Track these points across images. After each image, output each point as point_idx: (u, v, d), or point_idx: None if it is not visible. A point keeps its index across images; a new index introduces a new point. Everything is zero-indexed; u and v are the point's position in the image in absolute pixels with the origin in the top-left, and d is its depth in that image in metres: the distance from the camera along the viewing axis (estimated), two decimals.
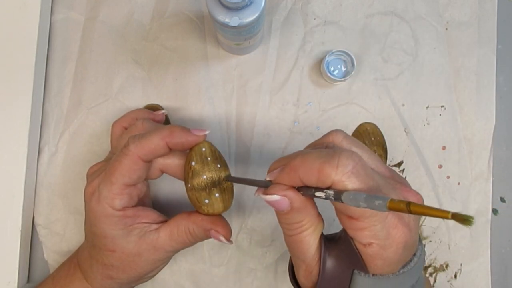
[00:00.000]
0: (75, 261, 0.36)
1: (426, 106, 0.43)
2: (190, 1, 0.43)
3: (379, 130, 0.43)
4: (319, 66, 0.43)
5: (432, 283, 0.43)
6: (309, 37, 0.43)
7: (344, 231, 0.27)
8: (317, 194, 0.25)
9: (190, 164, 0.32)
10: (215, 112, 0.43)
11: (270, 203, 0.26)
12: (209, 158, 0.32)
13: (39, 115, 0.42)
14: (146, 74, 0.43)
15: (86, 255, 0.34)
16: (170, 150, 0.32)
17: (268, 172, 0.28)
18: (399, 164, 0.43)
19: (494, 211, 0.43)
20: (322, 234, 0.28)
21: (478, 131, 0.43)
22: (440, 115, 0.43)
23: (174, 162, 0.34)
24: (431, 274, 0.43)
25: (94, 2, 0.43)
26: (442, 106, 0.43)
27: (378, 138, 0.43)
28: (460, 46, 0.44)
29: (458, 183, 0.43)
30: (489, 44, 0.44)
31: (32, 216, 0.42)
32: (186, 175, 0.32)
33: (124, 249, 0.32)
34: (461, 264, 0.43)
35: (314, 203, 0.27)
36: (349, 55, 0.41)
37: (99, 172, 0.33)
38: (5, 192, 0.40)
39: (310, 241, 0.27)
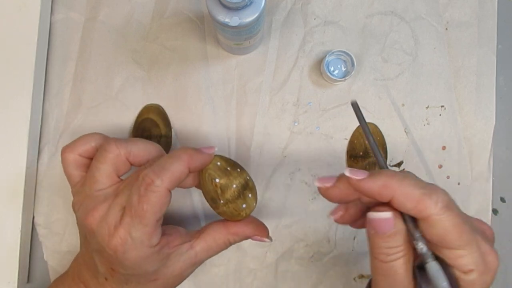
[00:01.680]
0: None
1: (426, 106, 0.43)
2: (190, 1, 0.43)
3: (379, 130, 0.43)
4: (319, 66, 0.43)
5: None
6: (309, 37, 0.43)
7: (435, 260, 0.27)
8: (417, 236, 0.26)
9: (214, 182, 0.32)
10: (215, 112, 0.43)
11: (376, 221, 0.26)
12: (228, 168, 0.33)
13: (39, 115, 0.42)
14: (146, 74, 0.43)
15: None
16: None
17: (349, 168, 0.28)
18: (399, 164, 0.43)
19: (494, 211, 0.43)
20: (415, 263, 0.28)
21: (478, 131, 0.43)
22: (440, 115, 0.43)
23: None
24: None
25: (94, 2, 0.43)
26: (442, 106, 0.43)
27: (378, 138, 0.43)
28: (460, 46, 0.44)
29: (458, 183, 0.43)
30: (489, 44, 0.44)
31: (32, 216, 0.42)
32: (214, 194, 0.33)
33: (166, 275, 0.32)
34: None
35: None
36: (349, 55, 0.41)
37: (102, 210, 0.30)
38: (5, 192, 0.40)
39: (405, 269, 0.26)
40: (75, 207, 0.33)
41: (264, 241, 0.34)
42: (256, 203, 0.34)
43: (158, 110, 0.43)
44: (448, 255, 0.26)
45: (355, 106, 0.31)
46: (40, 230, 0.42)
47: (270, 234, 0.43)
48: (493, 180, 0.43)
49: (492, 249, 0.26)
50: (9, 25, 0.41)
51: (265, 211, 0.43)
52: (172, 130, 0.43)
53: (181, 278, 0.34)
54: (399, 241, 0.26)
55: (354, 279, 0.43)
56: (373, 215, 0.26)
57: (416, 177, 0.27)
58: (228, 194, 0.32)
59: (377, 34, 0.44)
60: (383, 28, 0.44)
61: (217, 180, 0.32)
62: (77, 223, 0.34)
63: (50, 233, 0.42)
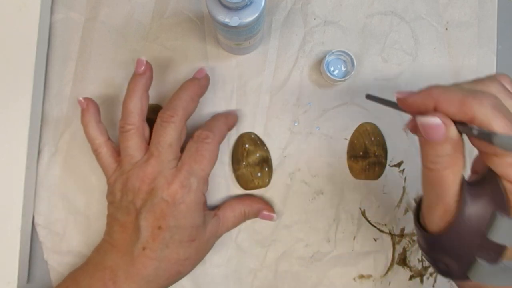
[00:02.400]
0: (110, 277, 0.34)
1: None
2: (190, 1, 0.43)
3: (379, 130, 0.43)
4: (319, 66, 0.43)
5: (432, 283, 0.43)
6: (309, 37, 0.43)
7: (489, 172, 0.25)
8: (473, 130, 0.24)
9: (244, 146, 0.42)
10: (215, 112, 0.43)
11: (427, 127, 0.25)
12: (258, 142, 0.42)
13: (39, 115, 0.42)
14: None
15: (145, 262, 0.34)
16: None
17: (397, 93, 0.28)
18: (399, 164, 0.43)
19: None
20: (463, 176, 0.26)
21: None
22: None
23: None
24: (431, 274, 0.43)
25: (94, 2, 0.43)
26: None
27: (378, 138, 0.43)
28: (460, 46, 0.44)
29: None
30: (489, 44, 0.44)
31: (32, 216, 0.42)
32: (240, 156, 0.42)
33: (201, 237, 0.36)
34: None
35: (463, 141, 0.26)
36: (349, 55, 0.41)
37: (155, 168, 0.35)
38: (5, 192, 0.40)
39: (454, 179, 0.26)
40: (113, 189, 0.36)
41: (272, 218, 0.41)
42: (269, 181, 0.42)
43: (158, 110, 0.42)
44: (499, 162, 0.24)
45: (371, 97, 0.33)
46: (40, 230, 0.43)
47: (270, 234, 0.43)
48: None
49: None
50: (9, 25, 0.41)
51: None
52: None
53: (208, 246, 0.38)
54: (448, 150, 0.25)
55: (354, 279, 0.43)
56: (423, 120, 0.25)
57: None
58: (250, 158, 0.41)
59: (377, 34, 0.44)
60: (383, 28, 0.44)
61: (247, 146, 0.42)
62: (116, 198, 0.36)
63: (50, 233, 0.42)
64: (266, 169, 0.42)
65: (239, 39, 0.37)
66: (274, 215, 0.41)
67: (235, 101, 0.43)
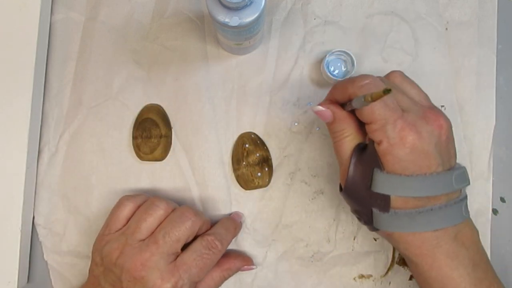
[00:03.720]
0: None
1: None
2: (190, 1, 0.43)
3: None
4: (319, 66, 0.43)
5: None
6: (309, 37, 0.43)
7: (370, 138, 0.32)
8: (347, 105, 0.33)
9: (243, 146, 0.42)
10: (215, 112, 0.43)
11: (317, 113, 0.34)
12: (258, 142, 0.42)
13: (39, 115, 0.42)
14: (146, 74, 0.43)
15: None
16: None
17: None
18: None
19: (494, 211, 0.43)
20: (358, 144, 0.34)
21: (478, 131, 0.43)
22: None
23: None
24: None
25: (94, 2, 0.43)
26: (442, 106, 0.43)
27: None
28: (460, 46, 0.44)
29: None
30: (489, 44, 0.44)
31: (32, 216, 0.42)
32: (240, 155, 0.42)
33: None
34: None
35: (355, 118, 0.33)
36: (349, 55, 0.41)
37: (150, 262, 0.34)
38: (5, 192, 0.40)
39: (347, 147, 0.34)
40: (107, 253, 0.35)
41: (252, 269, 0.41)
42: (269, 181, 0.42)
43: (158, 110, 0.43)
44: (368, 130, 0.32)
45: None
46: (40, 230, 0.43)
47: (270, 234, 0.43)
48: (493, 180, 0.43)
49: (409, 127, 0.30)
50: (9, 25, 0.41)
51: (265, 211, 0.43)
52: (172, 130, 0.43)
53: None
54: (340, 126, 0.34)
55: (354, 279, 0.43)
56: (313, 108, 0.35)
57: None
58: (250, 158, 0.42)
59: (377, 34, 0.44)
60: (383, 28, 0.44)
61: (247, 145, 0.42)
62: (105, 267, 0.35)
63: (50, 233, 0.42)
64: (266, 169, 0.42)
65: (239, 39, 0.37)
66: (254, 267, 0.41)
67: (235, 101, 0.43)
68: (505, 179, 0.44)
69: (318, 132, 0.43)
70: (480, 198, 0.43)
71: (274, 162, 0.43)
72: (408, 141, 0.30)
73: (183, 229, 0.35)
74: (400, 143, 0.30)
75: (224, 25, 0.33)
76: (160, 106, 0.43)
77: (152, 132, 0.42)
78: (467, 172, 0.34)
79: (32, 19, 0.41)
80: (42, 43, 0.42)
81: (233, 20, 0.33)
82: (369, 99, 0.27)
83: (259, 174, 0.42)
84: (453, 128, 0.43)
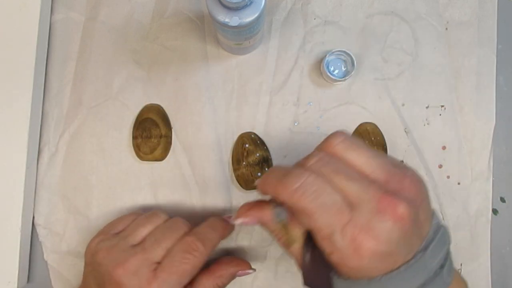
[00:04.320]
0: None
1: (426, 106, 0.43)
2: (190, 1, 0.43)
3: (379, 130, 0.43)
4: (319, 66, 0.43)
5: None
6: (309, 37, 0.43)
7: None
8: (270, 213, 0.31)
9: (243, 146, 0.42)
10: (215, 112, 0.43)
11: (241, 224, 0.31)
12: (258, 142, 0.42)
13: (39, 115, 0.42)
14: (146, 74, 0.43)
15: None
16: None
17: None
18: None
19: (494, 211, 0.43)
20: (307, 236, 0.30)
21: (478, 131, 0.43)
22: (440, 115, 0.43)
23: None
24: None
25: (94, 2, 0.43)
26: (442, 106, 0.43)
27: (378, 138, 0.43)
28: (460, 46, 0.44)
29: (458, 183, 0.43)
30: (489, 44, 0.44)
31: (32, 216, 0.42)
32: (240, 155, 0.42)
33: None
34: (461, 264, 0.43)
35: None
36: (349, 55, 0.41)
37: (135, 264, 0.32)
38: (5, 192, 0.40)
39: (291, 248, 0.30)
40: (96, 251, 0.34)
41: (249, 273, 0.37)
42: None
43: (158, 110, 0.43)
44: (315, 237, 0.27)
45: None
46: (40, 230, 0.42)
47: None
48: (493, 180, 0.43)
49: (362, 234, 0.25)
50: (9, 25, 0.41)
51: None
52: (172, 130, 0.43)
53: None
54: (274, 227, 0.30)
55: None
56: (234, 221, 0.32)
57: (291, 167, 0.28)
58: (250, 158, 0.42)
59: (377, 34, 0.44)
60: (383, 28, 0.44)
61: (247, 145, 0.41)
62: (92, 267, 0.34)
63: (50, 233, 0.42)
64: (266, 169, 0.42)
65: (239, 39, 0.37)
66: (250, 271, 0.37)
67: (235, 101, 0.43)
68: (505, 179, 0.44)
69: (318, 132, 0.43)
70: (480, 198, 0.43)
71: (274, 162, 0.43)
72: (364, 250, 0.24)
73: (173, 238, 0.33)
74: (355, 254, 0.25)
75: (224, 25, 0.33)
76: (160, 106, 0.43)
77: (152, 132, 0.42)
78: (446, 233, 0.29)
79: (32, 19, 0.41)
80: (42, 43, 0.42)
81: (233, 20, 0.33)
82: (284, 226, 0.26)
83: (259, 174, 0.42)
84: (453, 128, 0.43)
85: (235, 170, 0.42)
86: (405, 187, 0.26)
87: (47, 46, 0.43)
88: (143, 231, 0.35)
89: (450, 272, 0.28)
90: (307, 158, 0.27)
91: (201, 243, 0.33)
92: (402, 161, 0.43)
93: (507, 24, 0.45)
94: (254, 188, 0.42)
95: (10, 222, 0.40)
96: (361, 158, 0.27)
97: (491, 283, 0.42)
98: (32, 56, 0.40)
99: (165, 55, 0.43)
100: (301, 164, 0.27)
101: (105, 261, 0.33)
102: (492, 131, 0.43)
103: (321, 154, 0.27)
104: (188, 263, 0.32)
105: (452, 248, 0.43)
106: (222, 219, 0.37)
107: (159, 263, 0.33)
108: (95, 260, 0.34)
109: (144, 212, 0.38)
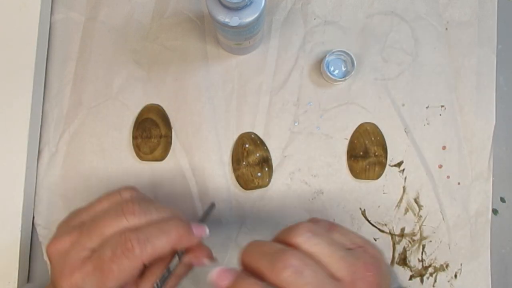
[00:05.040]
0: None
1: (426, 106, 0.43)
2: (190, 1, 0.43)
3: (379, 130, 0.43)
4: (319, 66, 0.43)
5: (432, 283, 0.43)
6: (309, 37, 0.43)
7: None
8: None
9: (243, 146, 0.42)
10: (215, 112, 0.43)
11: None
12: (258, 142, 0.42)
13: (39, 115, 0.42)
14: (146, 74, 0.43)
15: None
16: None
17: None
18: (399, 164, 0.43)
19: (494, 211, 0.43)
20: None
21: (478, 131, 0.43)
22: (440, 115, 0.43)
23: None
24: (431, 274, 0.43)
25: (94, 2, 0.43)
26: (442, 106, 0.43)
27: (378, 138, 0.43)
28: (460, 46, 0.44)
29: (458, 183, 0.43)
30: (489, 44, 0.44)
31: (32, 216, 0.42)
32: (240, 155, 0.42)
33: None
34: (461, 264, 0.43)
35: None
36: (349, 55, 0.41)
37: (77, 254, 0.28)
38: (5, 192, 0.40)
39: None
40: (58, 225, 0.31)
41: (204, 263, 0.31)
42: (269, 181, 0.42)
43: (158, 110, 0.43)
44: None
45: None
46: (40, 230, 0.42)
47: (270, 234, 0.43)
48: (493, 180, 0.43)
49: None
50: (9, 25, 0.41)
51: (265, 211, 0.43)
52: (172, 130, 0.43)
53: None
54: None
55: None
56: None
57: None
58: (250, 158, 0.42)
59: (377, 34, 0.44)
60: (383, 28, 0.44)
61: (247, 145, 0.42)
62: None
63: (50, 233, 0.42)
64: (266, 169, 0.42)
65: (239, 39, 0.37)
66: (206, 261, 0.31)
67: (235, 101, 0.43)
68: (505, 179, 0.44)
69: (318, 132, 0.43)
70: (480, 198, 0.43)
71: (274, 162, 0.43)
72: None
73: (114, 227, 0.28)
74: None
75: (224, 25, 0.33)
76: (160, 106, 0.43)
77: (152, 132, 0.42)
78: None
79: (32, 19, 0.41)
80: (42, 43, 0.42)
81: (233, 20, 0.33)
82: None
83: (259, 174, 0.42)
84: (453, 128, 0.43)
85: (235, 170, 0.42)
86: (367, 278, 0.25)
87: (47, 46, 0.43)
88: (97, 207, 0.30)
89: None
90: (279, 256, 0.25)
91: (139, 246, 0.27)
92: (402, 161, 0.43)
93: (507, 24, 0.45)
94: (254, 188, 0.42)
95: (10, 222, 0.40)
96: (324, 256, 0.25)
97: (491, 283, 0.42)
98: (32, 56, 0.40)
99: (165, 55, 0.43)
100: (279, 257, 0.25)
101: (54, 237, 0.30)
102: (492, 131, 0.43)
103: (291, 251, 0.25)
104: (117, 263, 0.27)
105: (452, 248, 0.43)
106: (184, 225, 0.29)
107: (96, 251, 0.28)
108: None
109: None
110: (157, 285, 0.30)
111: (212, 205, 0.36)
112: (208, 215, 0.35)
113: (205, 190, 0.43)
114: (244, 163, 0.42)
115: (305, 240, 0.26)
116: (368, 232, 0.43)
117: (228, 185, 0.43)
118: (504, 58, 0.44)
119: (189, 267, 0.32)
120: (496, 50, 0.44)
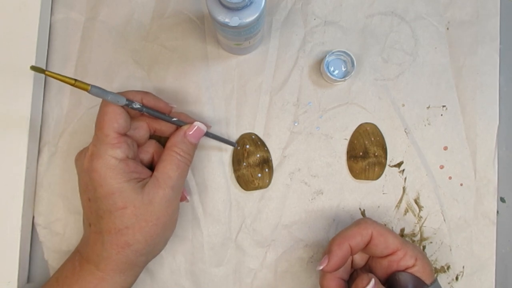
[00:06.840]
0: (78, 258, 0.35)
1: (427, 106, 0.43)
2: (190, 1, 0.43)
3: (379, 130, 0.43)
4: (319, 66, 0.43)
5: None
6: (309, 37, 0.43)
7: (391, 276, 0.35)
8: None
9: (244, 147, 0.42)
10: (215, 112, 0.43)
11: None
12: (259, 143, 0.42)
13: (39, 115, 0.42)
14: (146, 74, 0.43)
15: (93, 238, 0.34)
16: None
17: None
18: (399, 165, 0.43)
19: None
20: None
21: (481, 131, 0.43)
22: (441, 115, 0.43)
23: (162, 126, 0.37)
24: None
25: (94, 2, 0.43)
26: (443, 106, 0.43)
27: (378, 138, 0.43)
28: (461, 46, 0.44)
29: (461, 184, 0.43)
30: (491, 43, 0.44)
31: (32, 216, 0.42)
32: (241, 156, 0.42)
33: (134, 202, 0.32)
34: (463, 267, 0.42)
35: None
36: (349, 55, 0.41)
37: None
38: (5, 192, 0.40)
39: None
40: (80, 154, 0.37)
41: (201, 129, 0.37)
42: (269, 182, 0.42)
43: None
44: (393, 259, 0.34)
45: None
46: (40, 230, 0.43)
47: (270, 234, 0.43)
48: None
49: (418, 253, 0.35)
50: (9, 25, 0.41)
51: (265, 211, 0.43)
52: None
53: (153, 209, 0.33)
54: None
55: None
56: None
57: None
58: (251, 159, 0.42)
59: (377, 34, 0.43)
60: (383, 28, 0.43)
61: (247, 146, 0.42)
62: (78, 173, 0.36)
63: (50, 233, 0.42)
64: (267, 170, 0.42)
65: (239, 39, 0.37)
66: (200, 125, 0.37)
67: (235, 101, 0.43)
68: (505, 179, 0.44)
69: (318, 132, 0.43)
70: (483, 199, 0.43)
71: (274, 162, 0.43)
72: (424, 254, 0.35)
73: (110, 118, 0.33)
74: (424, 255, 0.35)
75: (224, 25, 0.33)
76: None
77: None
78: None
79: (32, 19, 0.41)
80: (42, 43, 0.42)
81: (233, 20, 0.33)
82: None
83: (259, 175, 0.42)
84: (455, 128, 0.43)
85: (235, 171, 0.42)
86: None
87: (47, 46, 0.43)
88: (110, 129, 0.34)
89: None
90: None
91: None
92: (402, 162, 0.43)
93: (508, 24, 0.44)
94: (254, 188, 0.42)
95: (10, 222, 0.40)
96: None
97: (494, 285, 0.42)
98: (32, 56, 0.40)
99: (165, 55, 0.43)
100: None
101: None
102: (496, 131, 0.43)
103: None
104: (103, 114, 0.33)
105: (454, 250, 0.43)
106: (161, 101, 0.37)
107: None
108: (80, 165, 0.35)
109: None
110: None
111: (232, 143, 0.42)
112: (221, 140, 0.41)
113: (205, 190, 0.43)
114: (244, 163, 0.42)
115: None
116: None
117: (228, 186, 0.43)
118: (504, 58, 0.44)
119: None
120: (499, 50, 0.44)
